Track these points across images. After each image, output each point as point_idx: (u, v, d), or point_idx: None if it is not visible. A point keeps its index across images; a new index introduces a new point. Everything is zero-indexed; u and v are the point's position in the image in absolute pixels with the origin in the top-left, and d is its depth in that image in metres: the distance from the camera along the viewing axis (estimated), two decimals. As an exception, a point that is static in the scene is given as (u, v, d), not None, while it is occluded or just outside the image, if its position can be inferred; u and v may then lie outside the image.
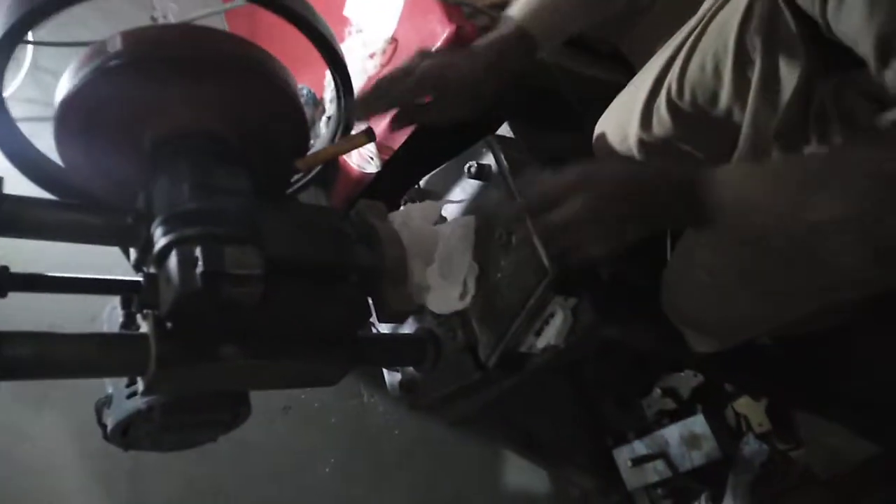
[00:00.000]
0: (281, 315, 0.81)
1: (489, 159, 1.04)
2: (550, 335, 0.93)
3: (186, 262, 0.69)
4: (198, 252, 0.69)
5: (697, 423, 1.58)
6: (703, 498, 1.62)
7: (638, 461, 1.65)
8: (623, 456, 1.69)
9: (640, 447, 1.66)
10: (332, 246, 0.86)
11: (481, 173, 1.03)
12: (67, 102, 0.75)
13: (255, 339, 0.79)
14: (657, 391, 1.65)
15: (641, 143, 1.16)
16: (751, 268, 0.99)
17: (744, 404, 1.59)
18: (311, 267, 0.83)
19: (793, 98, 0.94)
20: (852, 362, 1.50)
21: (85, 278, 0.77)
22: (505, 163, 1.01)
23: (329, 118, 1.35)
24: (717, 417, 1.60)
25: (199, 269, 0.68)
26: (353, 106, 0.93)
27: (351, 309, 0.87)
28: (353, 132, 0.94)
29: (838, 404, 1.52)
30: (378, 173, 1.35)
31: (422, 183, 1.17)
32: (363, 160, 1.36)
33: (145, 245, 0.77)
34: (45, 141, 0.83)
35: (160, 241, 0.72)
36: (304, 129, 0.87)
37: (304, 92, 1.45)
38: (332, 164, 1.28)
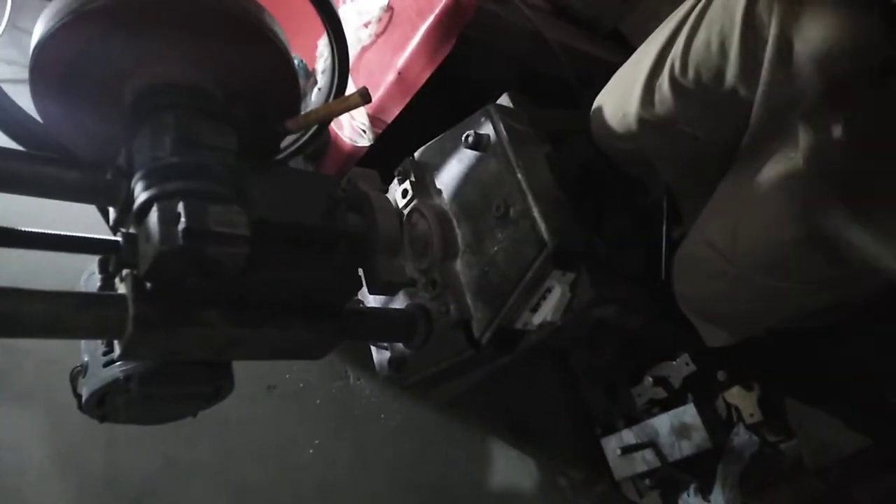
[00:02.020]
0: (267, 281, 0.77)
1: (488, 129, 1.00)
2: (547, 311, 0.90)
3: (168, 218, 0.65)
4: (180, 208, 0.65)
5: (688, 413, 1.56)
6: (692, 489, 1.60)
7: (626, 450, 1.63)
8: (611, 445, 1.67)
9: (628, 436, 1.64)
10: (322, 212, 0.82)
11: (479, 143, 0.99)
12: (42, 49, 0.71)
13: (238, 304, 0.75)
14: (648, 380, 1.63)
15: (642, 122, 1.13)
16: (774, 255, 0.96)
17: (735, 394, 1.57)
18: (300, 232, 0.80)
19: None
20: (845, 356, 1.49)
21: (61, 235, 0.73)
22: (505, 132, 0.97)
23: (320, 89, 1.31)
24: (707, 407, 1.58)
25: (182, 225, 0.64)
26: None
27: (340, 278, 0.84)
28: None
29: (829, 396, 1.51)
30: (371, 146, 1.31)
31: (416, 154, 1.14)
32: (355, 133, 1.32)
33: (125, 203, 0.73)
34: (24, 105, 0.78)
35: (140, 196, 0.68)
36: (294, 87, 0.83)
37: (296, 62, 1.40)
38: (323, 135, 1.24)
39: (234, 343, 0.77)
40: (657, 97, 1.10)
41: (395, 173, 1.13)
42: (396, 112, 1.26)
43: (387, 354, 1.10)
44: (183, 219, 0.64)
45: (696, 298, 1.11)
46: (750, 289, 1.01)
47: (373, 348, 1.15)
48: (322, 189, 0.86)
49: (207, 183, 0.69)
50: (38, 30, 0.71)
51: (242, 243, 0.67)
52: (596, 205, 1.41)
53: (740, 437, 1.55)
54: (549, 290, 0.90)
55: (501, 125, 0.98)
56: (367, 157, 1.32)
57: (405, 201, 1.10)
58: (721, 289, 1.05)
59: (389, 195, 1.13)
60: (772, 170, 0.93)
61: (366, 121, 1.29)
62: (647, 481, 1.64)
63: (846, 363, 1.50)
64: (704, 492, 1.58)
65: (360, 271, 0.90)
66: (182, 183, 0.67)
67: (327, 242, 0.83)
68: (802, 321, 1.18)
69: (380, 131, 1.29)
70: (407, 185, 1.10)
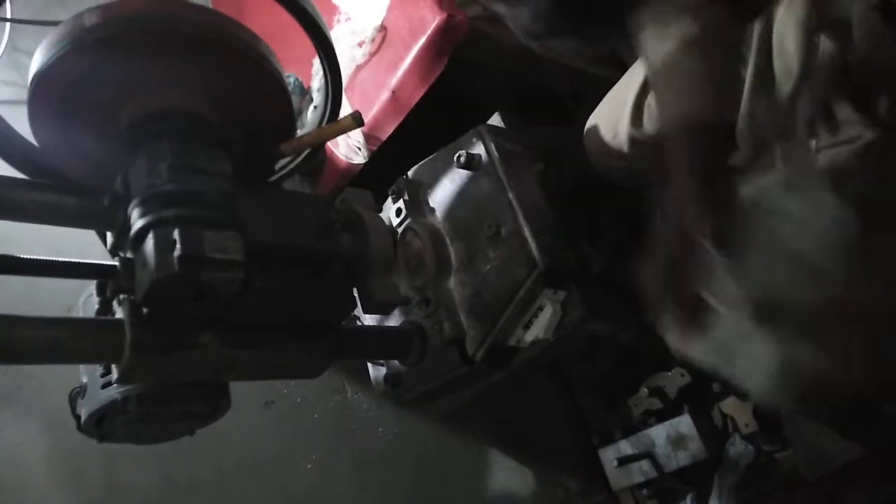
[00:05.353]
0: (262, 303, 0.78)
1: (479, 149, 1.02)
2: (539, 328, 0.92)
3: (163, 245, 0.66)
4: (176, 235, 0.66)
5: (684, 424, 1.57)
6: (689, 499, 1.61)
7: (623, 461, 1.63)
8: (609, 456, 1.67)
9: (625, 447, 1.65)
10: (316, 233, 0.84)
11: (471, 163, 1.01)
12: (41, 78, 0.72)
13: (234, 327, 0.76)
14: (644, 390, 1.64)
15: (632, 140, 1.14)
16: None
17: (731, 405, 1.58)
18: (294, 254, 0.81)
19: (793, 93, 0.92)
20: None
21: (58, 261, 0.74)
22: (496, 152, 0.99)
23: (316, 107, 1.33)
24: (703, 418, 1.59)
25: (177, 252, 0.65)
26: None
27: (335, 298, 0.85)
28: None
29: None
30: (366, 164, 1.32)
31: (410, 173, 1.15)
32: (350, 150, 1.34)
33: (122, 228, 0.74)
34: (22, 125, 0.80)
35: (137, 223, 0.69)
36: (288, 112, 0.85)
37: (291, 80, 1.42)
38: (318, 155, 1.26)
39: (230, 365, 0.78)
40: (646, 115, 1.11)
41: (389, 192, 1.14)
42: (391, 130, 1.27)
43: (383, 371, 1.11)
44: (178, 246, 0.65)
45: None
46: None
47: (369, 364, 1.16)
48: (316, 210, 0.87)
49: (202, 209, 0.71)
50: (38, 59, 0.73)
51: (238, 268, 0.69)
52: (591, 216, 1.42)
53: (736, 447, 1.56)
54: (540, 309, 0.92)
55: (492, 145, 1.00)
56: (362, 175, 1.33)
57: (399, 220, 1.11)
58: None
59: (383, 214, 1.15)
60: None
61: (361, 138, 1.31)
62: (644, 491, 1.64)
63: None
64: (702, 502, 1.59)
65: (355, 290, 0.91)
66: (177, 210, 0.69)
67: (322, 263, 0.84)
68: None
69: (374, 149, 1.30)
70: (401, 203, 1.11)
